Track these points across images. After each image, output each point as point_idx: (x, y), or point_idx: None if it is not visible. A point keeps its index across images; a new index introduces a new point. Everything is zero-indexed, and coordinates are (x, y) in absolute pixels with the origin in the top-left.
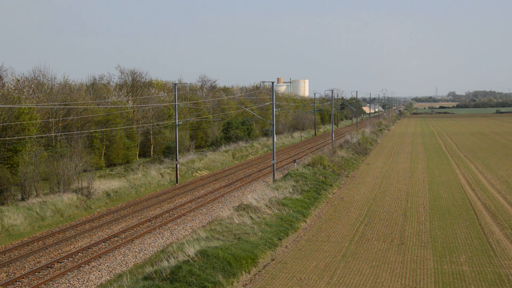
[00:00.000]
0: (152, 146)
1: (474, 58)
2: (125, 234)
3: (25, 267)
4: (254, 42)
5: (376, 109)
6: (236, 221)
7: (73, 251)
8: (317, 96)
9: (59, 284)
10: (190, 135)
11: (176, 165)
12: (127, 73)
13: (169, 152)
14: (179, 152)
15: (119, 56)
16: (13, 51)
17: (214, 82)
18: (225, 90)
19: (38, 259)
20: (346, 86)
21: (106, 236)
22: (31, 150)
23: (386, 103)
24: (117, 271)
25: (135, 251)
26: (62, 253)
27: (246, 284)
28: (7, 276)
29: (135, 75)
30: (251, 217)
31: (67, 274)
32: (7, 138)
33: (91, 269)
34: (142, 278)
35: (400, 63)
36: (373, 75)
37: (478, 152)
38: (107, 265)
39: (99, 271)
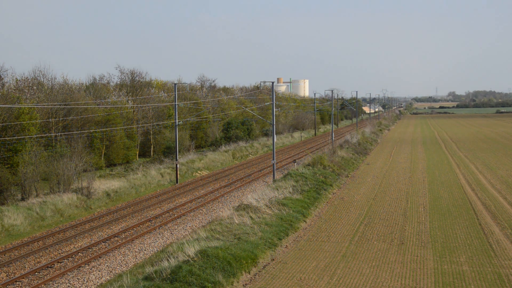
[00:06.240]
0: (152, 146)
1: (474, 58)
2: (125, 234)
3: (25, 267)
4: (254, 42)
5: (376, 109)
6: (236, 221)
7: (73, 251)
8: (317, 96)
9: (59, 284)
10: (190, 135)
11: (176, 165)
12: (127, 73)
13: (169, 152)
14: (179, 152)
15: (119, 56)
16: (13, 51)
17: (213, 81)
18: (225, 90)
19: (38, 259)
20: (346, 86)
21: (106, 236)
22: (31, 150)
23: (386, 103)
24: (117, 271)
25: (135, 251)
26: (62, 253)
27: (246, 284)
28: (7, 276)
29: (135, 75)
30: (251, 217)
31: (67, 274)
32: (7, 138)
33: (91, 269)
34: (142, 278)
35: (400, 63)
36: (373, 75)
37: (478, 152)
38: (107, 265)
39: (99, 271)
